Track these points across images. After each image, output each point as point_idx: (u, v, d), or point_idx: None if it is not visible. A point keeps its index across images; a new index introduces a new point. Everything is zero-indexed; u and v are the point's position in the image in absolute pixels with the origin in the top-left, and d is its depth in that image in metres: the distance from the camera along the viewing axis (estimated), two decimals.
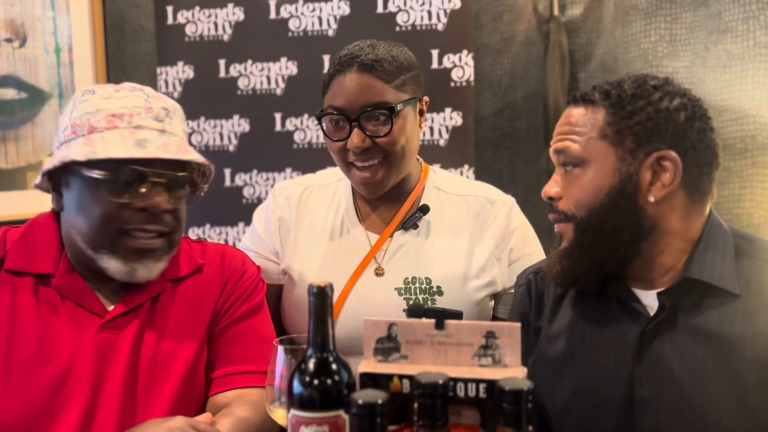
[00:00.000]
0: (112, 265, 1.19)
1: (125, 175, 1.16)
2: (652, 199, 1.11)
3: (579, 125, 1.14)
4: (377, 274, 1.48)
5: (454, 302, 1.44)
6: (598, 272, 1.15)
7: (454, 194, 1.56)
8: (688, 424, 1.07)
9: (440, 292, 1.46)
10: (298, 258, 1.53)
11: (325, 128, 1.46)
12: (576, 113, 1.16)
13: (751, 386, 1.06)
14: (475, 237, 1.51)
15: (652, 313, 1.13)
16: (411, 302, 1.45)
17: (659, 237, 1.13)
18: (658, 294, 1.12)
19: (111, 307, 1.22)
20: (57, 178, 1.22)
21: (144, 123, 1.19)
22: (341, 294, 1.47)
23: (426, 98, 1.52)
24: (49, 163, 1.18)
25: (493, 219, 1.53)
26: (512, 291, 1.43)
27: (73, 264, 1.23)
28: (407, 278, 1.47)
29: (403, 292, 1.46)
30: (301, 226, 1.56)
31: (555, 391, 1.18)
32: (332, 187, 1.60)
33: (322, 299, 0.86)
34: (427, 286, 1.47)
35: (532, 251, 1.53)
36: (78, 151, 1.14)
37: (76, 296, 1.21)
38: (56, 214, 1.26)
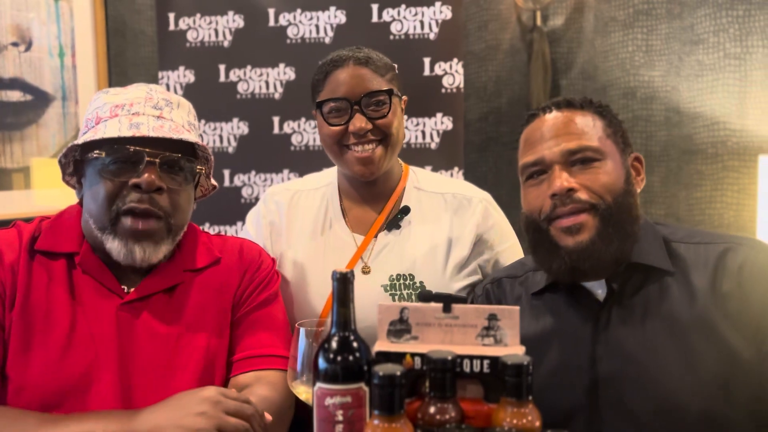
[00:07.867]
0: (114, 246, 1.25)
1: (121, 154, 1.23)
2: (638, 189, 1.29)
3: (586, 125, 1.26)
4: (364, 273, 1.56)
5: None
6: (619, 250, 1.23)
7: (432, 192, 1.65)
8: (648, 395, 1.18)
9: (423, 287, 1.55)
10: (288, 260, 1.61)
11: (324, 115, 1.52)
12: (573, 117, 1.27)
13: (693, 344, 1.18)
14: (454, 233, 1.60)
15: (601, 299, 1.26)
16: (396, 298, 1.54)
17: None
18: (607, 280, 1.25)
19: (129, 292, 1.29)
20: (79, 172, 1.32)
21: (142, 110, 1.27)
22: (332, 292, 1.53)
23: (405, 98, 1.63)
24: (60, 154, 1.28)
25: (471, 215, 1.62)
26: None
27: (93, 248, 1.30)
28: (392, 276, 1.56)
29: (389, 288, 1.55)
30: (291, 229, 1.64)
31: None
32: (320, 191, 1.67)
33: (344, 284, 0.95)
34: (411, 282, 1.55)
35: (509, 245, 1.64)
36: (82, 139, 1.24)
37: (98, 274, 1.28)
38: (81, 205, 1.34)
